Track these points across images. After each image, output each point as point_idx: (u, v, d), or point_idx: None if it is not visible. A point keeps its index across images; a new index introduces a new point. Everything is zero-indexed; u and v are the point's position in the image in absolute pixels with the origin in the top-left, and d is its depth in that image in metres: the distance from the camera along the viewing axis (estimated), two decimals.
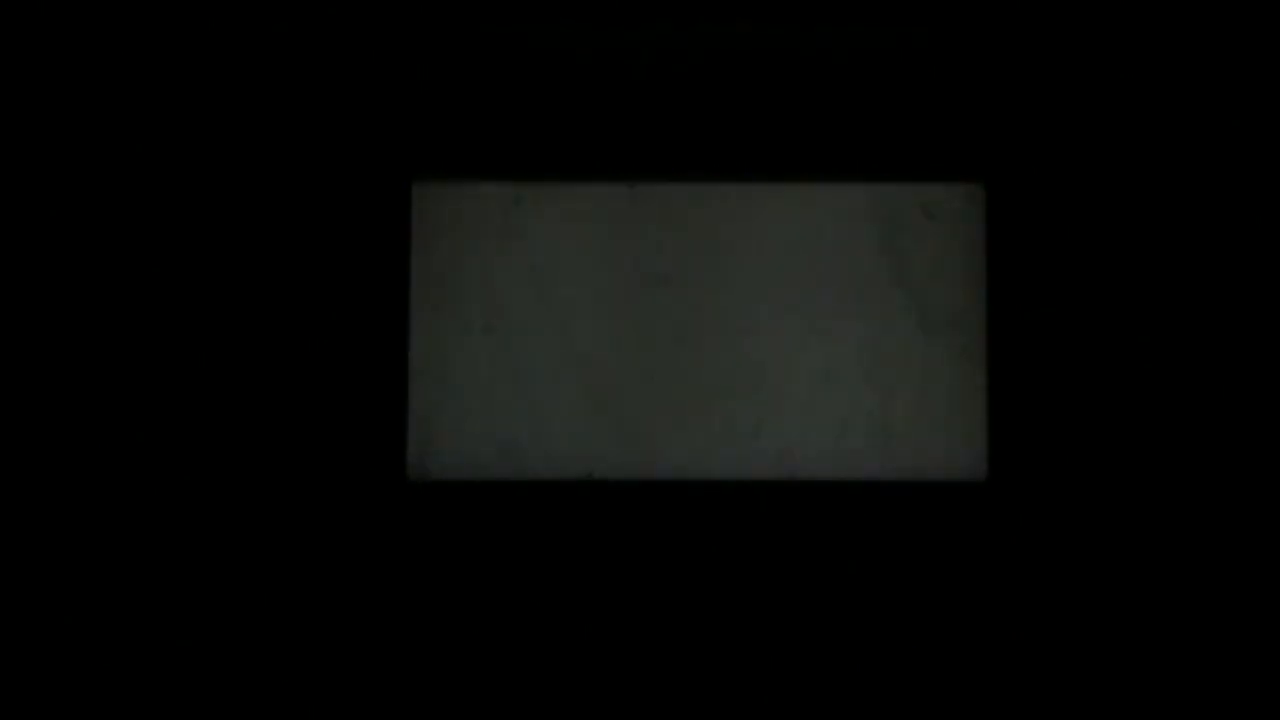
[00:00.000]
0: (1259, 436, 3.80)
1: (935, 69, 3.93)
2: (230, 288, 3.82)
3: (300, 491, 3.76)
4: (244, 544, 3.74)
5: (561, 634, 3.78)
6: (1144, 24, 3.90)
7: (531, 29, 3.92)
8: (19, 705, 3.69)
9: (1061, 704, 3.75)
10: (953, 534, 3.81)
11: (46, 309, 3.79)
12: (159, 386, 3.78)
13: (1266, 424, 3.80)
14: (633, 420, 3.89)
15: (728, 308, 3.90)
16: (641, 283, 3.92)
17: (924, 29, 3.93)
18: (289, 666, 3.74)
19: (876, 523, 3.81)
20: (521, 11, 3.91)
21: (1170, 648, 3.76)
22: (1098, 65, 3.90)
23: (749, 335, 3.90)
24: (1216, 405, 3.81)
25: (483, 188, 3.93)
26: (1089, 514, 3.79)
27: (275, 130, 3.87)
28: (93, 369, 3.77)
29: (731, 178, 3.93)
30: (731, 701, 3.77)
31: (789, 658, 3.77)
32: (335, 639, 3.75)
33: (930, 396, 3.88)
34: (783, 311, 3.91)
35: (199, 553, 3.74)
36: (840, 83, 3.92)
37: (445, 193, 3.92)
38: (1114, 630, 3.76)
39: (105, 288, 3.80)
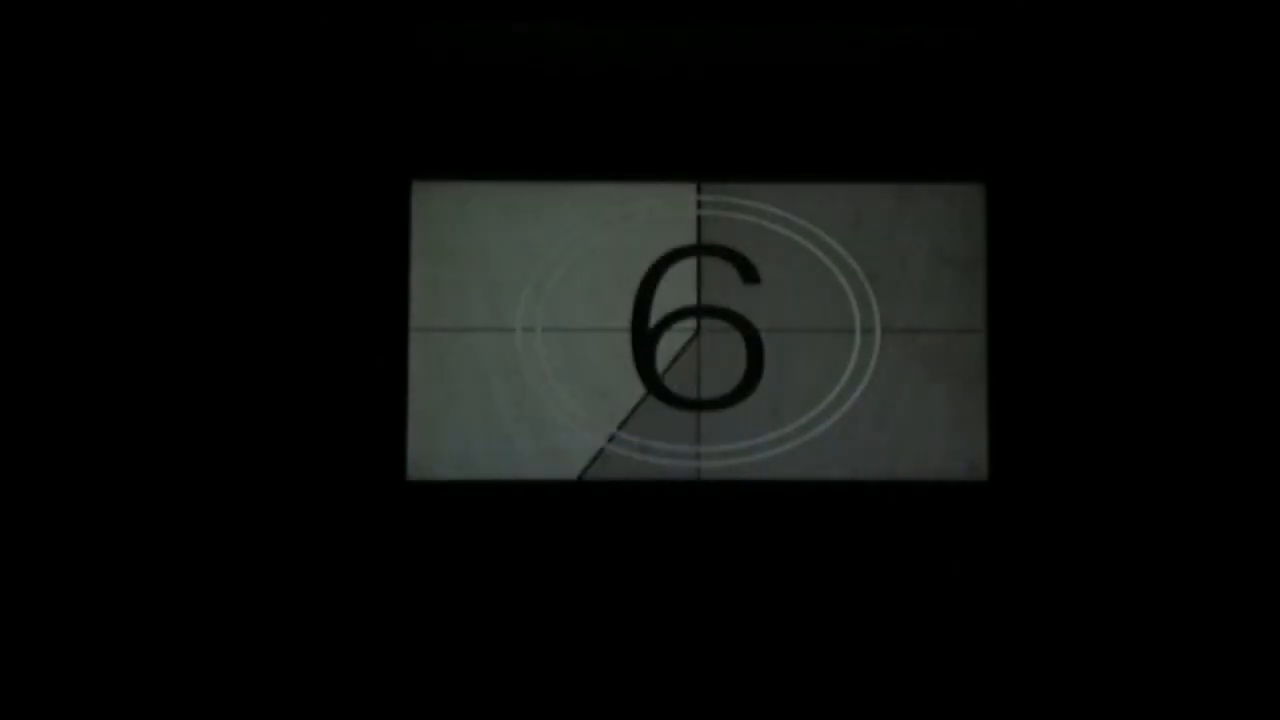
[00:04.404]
0: (1257, 435, 3.81)
1: (936, 73, 3.94)
2: (232, 289, 3.82)
3: (302, 490, 3.77)
4: (248, 542, 3.75)
5: (559, 630, 3.79)
6: (1141, 27, 3.91)
7: (531, 31, 3.93)
8: (24, 701, 3.70)
9: (1061, 699, 3.76)
10: (953, 533, 3.81)
11: (52, 311, 3.79)
12: (161, 384, 3.79)
13: (1264, 422, 3.81)
14: (632, 420, 3.89)
15: (727, 307, 3.92)
16: (640, 281, 3.92)
17: (925, 34, 3.94)
18: (292, 659, 3.74)
19: (877, 522, 3.81)
20: (521, 14, 3.92)
21: (1168, 644, 3.76)
22: (1096, 67, 3.91)
23: (748, 335, 3.90)
24: (1215, 404, 3.82)
25: (482, 188, 3.93)
26: (1089, 514, 3.80)
27: (277, 132, 3.87)
28: (97, 369, 3.78)
29: (732, 178, 3.93)
30: (732, 697, 3.77)
31: (790, 655, 3.78)
32: (336, 633, 3.75)
33: (930, 396, 3.89)
34: (783, 311, 3.91)
35: (203, 549, 3.75)
36: (842, 87, 3.93)
37: (445, 193, 3.93)
38: (1112, 627, 3.77)
39: (109, 288, 3.80)
